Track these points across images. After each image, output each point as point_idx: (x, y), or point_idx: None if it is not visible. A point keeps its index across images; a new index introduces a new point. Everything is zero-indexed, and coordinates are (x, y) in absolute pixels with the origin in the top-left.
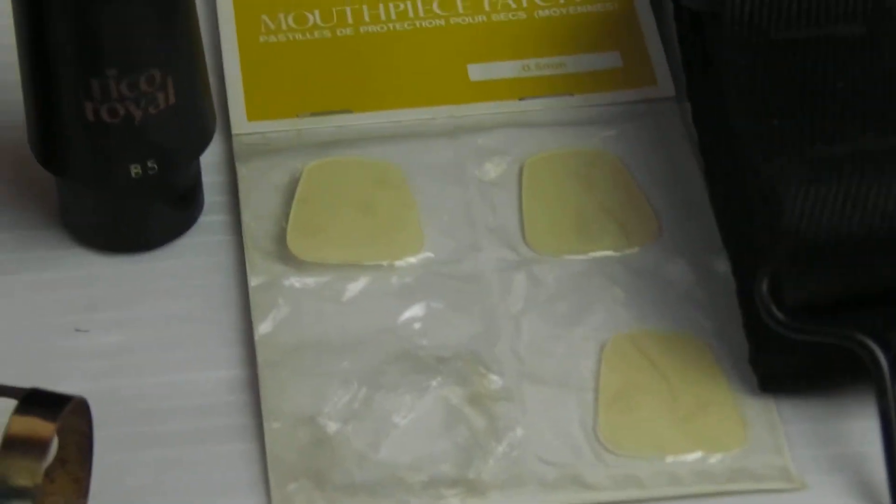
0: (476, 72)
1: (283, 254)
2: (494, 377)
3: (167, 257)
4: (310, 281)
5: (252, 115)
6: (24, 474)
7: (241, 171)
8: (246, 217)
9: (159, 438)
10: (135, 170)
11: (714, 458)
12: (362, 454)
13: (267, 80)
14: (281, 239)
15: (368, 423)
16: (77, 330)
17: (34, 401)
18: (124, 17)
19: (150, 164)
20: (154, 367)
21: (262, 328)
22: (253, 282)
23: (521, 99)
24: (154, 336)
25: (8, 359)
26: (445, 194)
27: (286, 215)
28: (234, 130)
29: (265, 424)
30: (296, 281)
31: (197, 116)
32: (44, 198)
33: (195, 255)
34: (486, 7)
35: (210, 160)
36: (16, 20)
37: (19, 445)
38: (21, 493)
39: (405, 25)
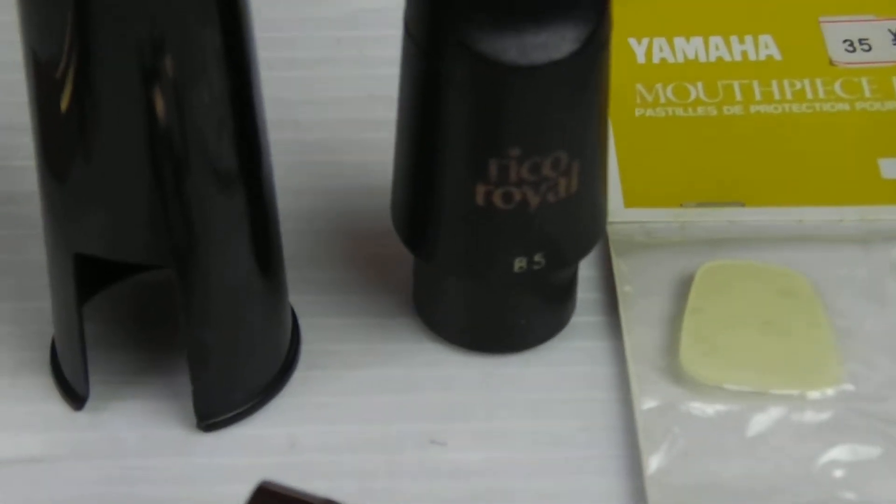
0: (889, 168)
1: (675, 372)
2: None
3: (535, 363)
4: (709, 409)
5: (630, 201)
6: None
7: (620, 266)
8: (627, 323)
9: None
10: (519, 263)
11: None
12: None
13: (644, 161)
14: (670, 352)
15: None
16: (433, 442)
17: None
18: (538, 97)
19: (536, 258)
20: (521, 495)
21: (654, 462)
22: (644, 404)
23: None
24: (521, 457)
25: (350, 469)
26: (862, 313)
27: (673, 324)
28: (610, 218)
29: None
30: (694, 407)
31: (594, 207)
32: (397, 281)
33: (567, 362)
34: None
35: None
36: (406, 88)
37: None
38: None
39: (803, 108)
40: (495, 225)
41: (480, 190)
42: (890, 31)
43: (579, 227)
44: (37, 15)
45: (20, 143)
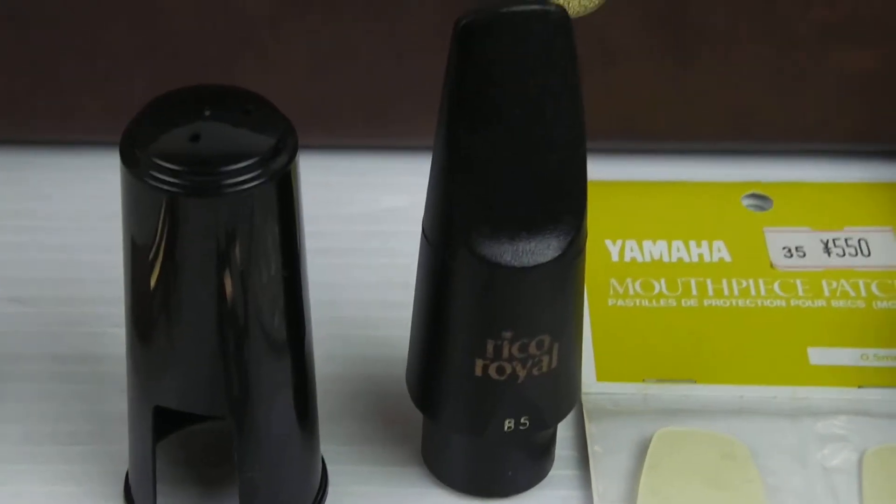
0: (816, 356)
1: None
2: None
3: None
4: None
5: (601, 376)
6: None
7: (591, 429)
8: (595, 476)
9: None
10: (508, 424)
11: None
12: None
13: (614, 343)
14: (630, 501)
15: None
16: None
17: None
18: (527, 292)
19: (522, 420)
20: None
21: None
22: None
23: (859, 387)
24: None
25: None
26: (789, 475)
27: (635, 478)
28: (584, 389)
29: None
30: None
31: (570, 381)
32: (409, 436)
33: None
34: (826, 293)
35: None
36: (421, 279)
37: None
38: None
39: (747, 303)
40: (490, 392)
41: (479, 363)
42: (821, 241)
43: (558, 396)
44: (136, 209)
45: (106, 312)
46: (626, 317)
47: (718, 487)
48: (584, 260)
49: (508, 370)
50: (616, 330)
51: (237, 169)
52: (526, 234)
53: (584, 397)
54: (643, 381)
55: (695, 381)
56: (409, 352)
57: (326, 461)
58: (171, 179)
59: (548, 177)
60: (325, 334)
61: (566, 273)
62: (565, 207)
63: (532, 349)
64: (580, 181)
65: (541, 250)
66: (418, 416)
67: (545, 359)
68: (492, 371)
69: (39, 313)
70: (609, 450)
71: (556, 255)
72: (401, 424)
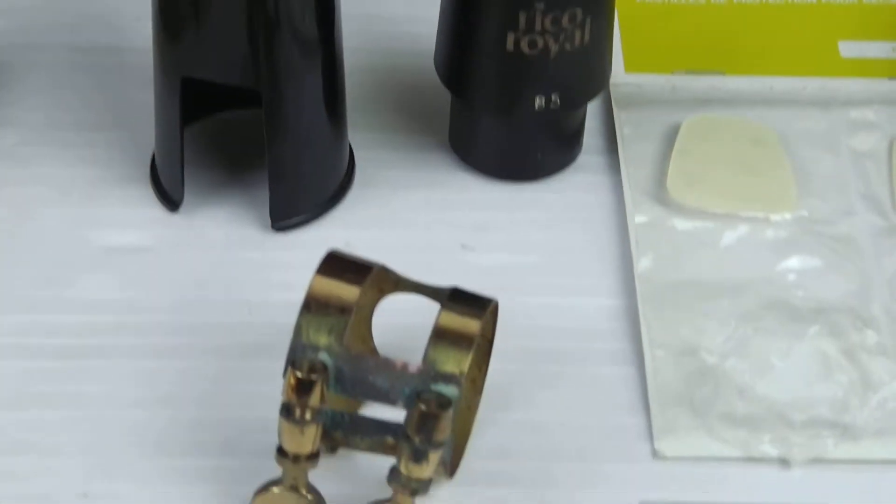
0: (847, 49)
1: (662, 197)
2: (871, 332)
3: (550, 189)
4: (689, 225)
5: (629, 67)
6: (452, 363)
7: (619, 115)
8: (624, 159)
9: (544, 354)
10: (539, 101)
11: None
12: (742, 388)
13: (643, 37)
14: (659, 183)
15: (747, 361)
16: (464, 247)
17: (459, 298)
18: None
19: (553, 97)
20: (537, 288)
21: (643, 263)
22: (637, 219)
23: (890, 78)
24: (537, 260)
25: (393, 266)
26: (818, 159)
27: (663, 162)
28: (613, 80)
29: (648, 352)
30: (677, 223)
31: (602, 59)
32: (436, 126)
33: (575, 190)
34: None
35: (588, 104)
36: None
37: (449, 336)
38: (448, 378)
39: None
40: (521, 67)
41: (510, 37)
42: None
43: (588, 73)
44: None
45: (125, 5)
46: (655, 12)
47: (748, 171)
48: None
49: (540, 44)
50: (645, 25)
51: None
52: None
53: (612, 88)
54: (672, 72)
55: (724, 73)
56: (438, 31)
57: (354, 148)
58: None
59: None
60: (354, 28)
61: None
62: None
63: (564, 22)
64: None
65: None
66: (446, 106)
67: (577, 33)
68: (524, 45)
69: (57, 4)
70: (638, 136)
71: None
72: (428, 115)
